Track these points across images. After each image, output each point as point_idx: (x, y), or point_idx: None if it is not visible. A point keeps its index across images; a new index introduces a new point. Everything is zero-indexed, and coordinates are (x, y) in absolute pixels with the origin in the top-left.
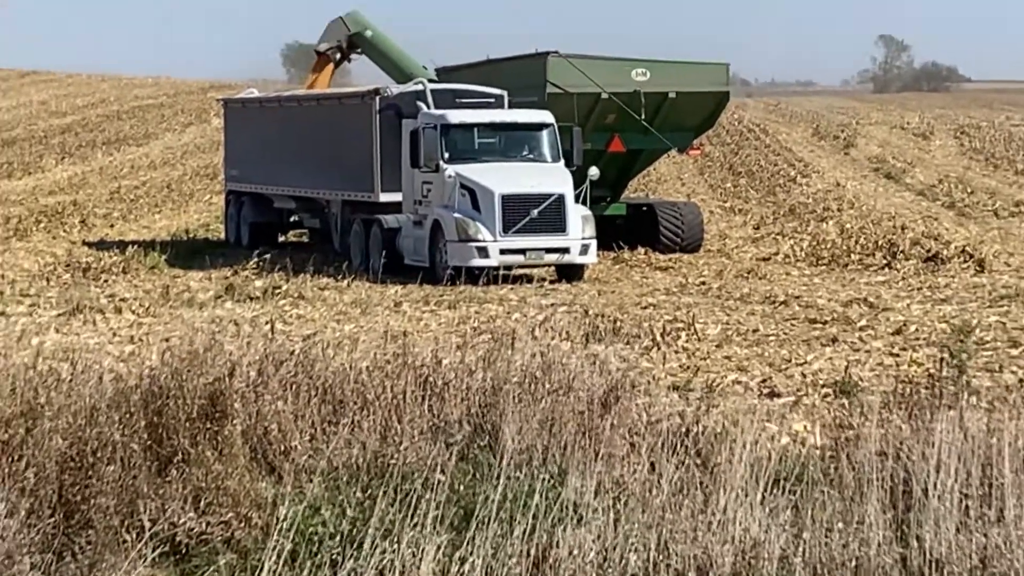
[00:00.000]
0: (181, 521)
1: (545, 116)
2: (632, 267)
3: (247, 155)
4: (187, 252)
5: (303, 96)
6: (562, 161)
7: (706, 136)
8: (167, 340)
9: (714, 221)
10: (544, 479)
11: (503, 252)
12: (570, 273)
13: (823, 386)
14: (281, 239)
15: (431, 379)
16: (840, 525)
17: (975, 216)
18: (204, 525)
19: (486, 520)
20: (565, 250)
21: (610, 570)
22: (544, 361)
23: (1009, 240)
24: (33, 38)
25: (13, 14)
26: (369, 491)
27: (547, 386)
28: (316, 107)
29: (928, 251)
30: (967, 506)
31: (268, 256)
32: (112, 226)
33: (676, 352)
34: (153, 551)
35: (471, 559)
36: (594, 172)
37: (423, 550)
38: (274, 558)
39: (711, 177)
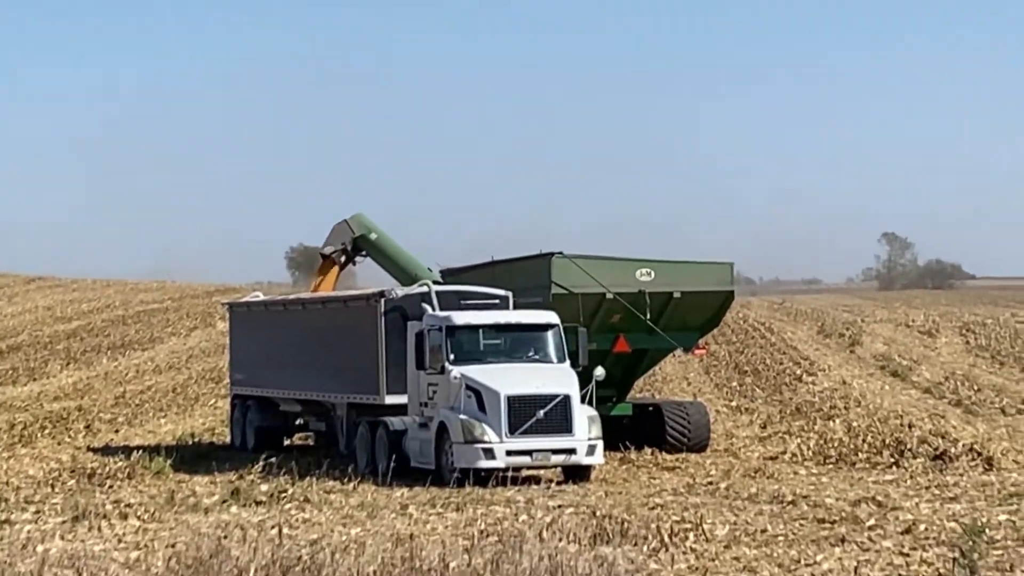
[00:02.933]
0: None
1: (550, 317)
2: (639, 467)
3: (252, 359)
4: (193, 456)
5: (308, 299)
6: (567, 361)
7: (711, 335)
8: (173, 546)
9: (721, 420)
10: None
11: (509, 453)
12: (577, 474)
13: None
14: (287, 442)
15: None
16: None
17: (982, 413)
18: None
19: None
20: (572, 451)
21: None
22: (551, 563)
23: (1017, 437)
24: (38, 244)
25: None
26: None
27: None
28: (321, 310)
29: (936, 449)
30: None
31: (274, 460)
32: (117, 431)
33: (684, 553)
34: None
35: None
36: (600, 372)
37: None
38: None
39: (717, 376)
